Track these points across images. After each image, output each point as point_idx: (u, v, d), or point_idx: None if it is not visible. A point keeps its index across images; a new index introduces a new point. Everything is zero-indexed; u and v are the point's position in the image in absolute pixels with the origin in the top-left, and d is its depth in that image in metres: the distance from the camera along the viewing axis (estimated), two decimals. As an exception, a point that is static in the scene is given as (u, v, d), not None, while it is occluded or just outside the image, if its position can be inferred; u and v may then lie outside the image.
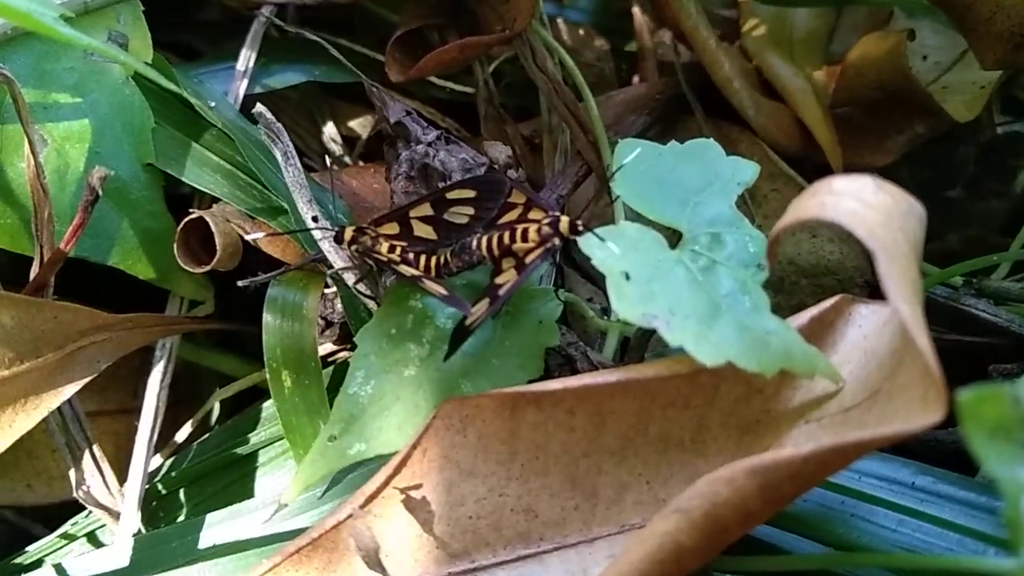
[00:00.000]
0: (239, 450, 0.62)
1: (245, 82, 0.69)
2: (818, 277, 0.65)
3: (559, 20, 0.84)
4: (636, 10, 0.80)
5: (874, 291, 0.65)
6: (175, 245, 0.60)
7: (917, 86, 0.67)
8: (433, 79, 0.76)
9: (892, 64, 0.67)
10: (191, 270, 0.60)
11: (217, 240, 0.58)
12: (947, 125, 0.72)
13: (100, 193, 0.53)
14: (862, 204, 0.39)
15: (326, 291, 0.62)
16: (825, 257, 0.64)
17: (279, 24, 0.73)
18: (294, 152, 0.59)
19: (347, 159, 0.77)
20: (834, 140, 0.69)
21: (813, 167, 0.72)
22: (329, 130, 0.78)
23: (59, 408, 0.58)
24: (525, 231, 0.51)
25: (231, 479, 0.62)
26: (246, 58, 0.70)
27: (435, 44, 0.74)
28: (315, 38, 0.72)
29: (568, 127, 0.66)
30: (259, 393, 0.66)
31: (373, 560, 0.43)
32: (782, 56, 0.75)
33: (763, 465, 0.38)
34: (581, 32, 0.84)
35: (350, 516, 0.45)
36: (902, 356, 0.42)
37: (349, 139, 0.78)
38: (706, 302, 0.45)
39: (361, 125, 0.78)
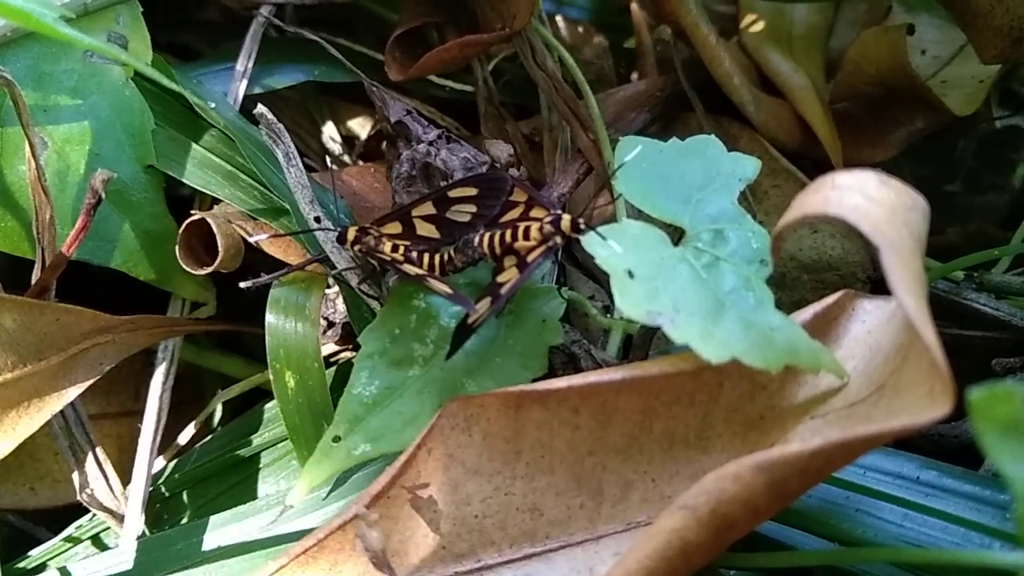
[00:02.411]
0: (242, 452, 0.62)
1: (244, 82, 0.69)
2: (820, 273, 0.64)
3: (558, 17, 0.84)
4: (635, 7, 0.80)
5: (876, 286, 0.65)
6: (177, 247, 0.60)
7: (917, 81, 0.67)
8: (432, 78, 0.76)
9: (892, 59, 0.67)
10: (193, 272, 0.60)
11: (219, 241, 0.58)
12: (946, 120, 0.72)
13: (103, 196, 0.53)
14: (866, 199, 0.39)
15: (327, 291, 0.62)
16: (827, 253, 0.64)
17: (278, 24, 0.73)
18: (295, 152, 0.59)
19: (347, 159, 0.77)
20: (834, 136, 0.69)
21: (813, 163, 0.72)
22: (329, 130, 0.77)
23: (62, 411, 0.58)
24: (527, 229, 0.51)
25: (234, 481, 0.62)
26: (245, 58, 0.70)
27: (434, 43, 0.74)
28: (314, 38, 0.71)
29: (568, 125, 0.66)
30: (261, 394, 0.66)
31: (381, 560, 0.43)
32: (781, 52, 0.75)
33: (770, 461, 0.38)
34: (580, 29, 0.84)
35: (356, 516, 0.45)
36: (907, 351, 0.42)
37: (348, 139, 0.78)
38: (710, 299, 0.44)
39: (360, 125, 0.78)
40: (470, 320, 0.49)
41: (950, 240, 0.75)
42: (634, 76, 0.83)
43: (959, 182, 0.81)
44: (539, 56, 0.66)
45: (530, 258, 0.50)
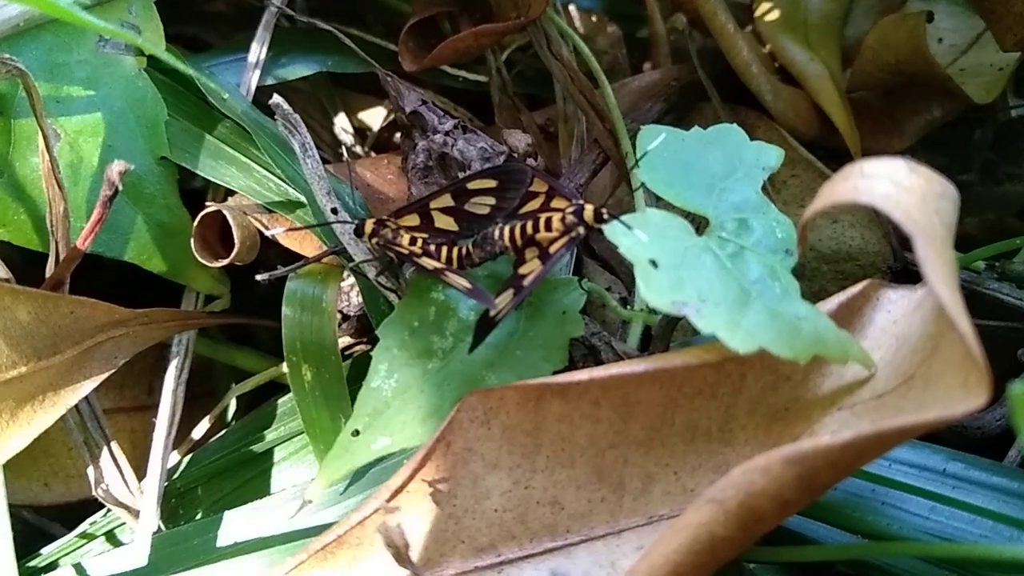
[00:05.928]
0: (256, 446, 0.62)
1: (257, 73, 0.68)
2: (839, 263, 0.64)
3: (571, 7, 0.83)
4: (649, -5, 0.79)
5: (897, 276, 0.64)
6: (192, 239, 0.59)
7: (936, 69, 0.67)
8: (446, 68, 0.75)
9: (910, 47, 0.66)
10: (209, 264, 0.59)
11: (235, 234, 0.58)
12: (963, 108, 0.71)
13: (120, 188, 0.52)
14: (896, 187, 0.39)
15: (342, 284, 0.62)
16: (846, 243, 0.64)
17: (290, 14, 0.72)
18: (312, 144, 0.59)
19: (360, 150, 0.76)
20: (852, 125, 0.68)
21: (829, 153, 0.71)
22: (341, 121, 0.77)
23: (76, 405, 0.58)
24: (549, 220, 0.50)
25: (249, 476, 0.62)
26: (257, 49, 0.69)
27: (447, 33, 0.73)
28: (327, 28, 0.71)
29: (584, 115, 0.65)
30: (275, 389, 0.66)
31: (402, 555, 0.42)
32: (797, 41, 0.74)
33: (800, 453, 0.37)
34: (593, 19, 0.84)
35: (376, 511, 0.45)
36: (937, 341, 0.41)
37: (361, 130, 0.78)
38: (736, 289, 0.44)
39: (373, 116, 0.78)
40: (492, 313, 0.48)
41: (967, 231, 0.74)
42: (647, 66, 0.82)
43: (976, 172, 0.80)
44: (554, 45, 0.65)
45: (553, 249, 0.50)
